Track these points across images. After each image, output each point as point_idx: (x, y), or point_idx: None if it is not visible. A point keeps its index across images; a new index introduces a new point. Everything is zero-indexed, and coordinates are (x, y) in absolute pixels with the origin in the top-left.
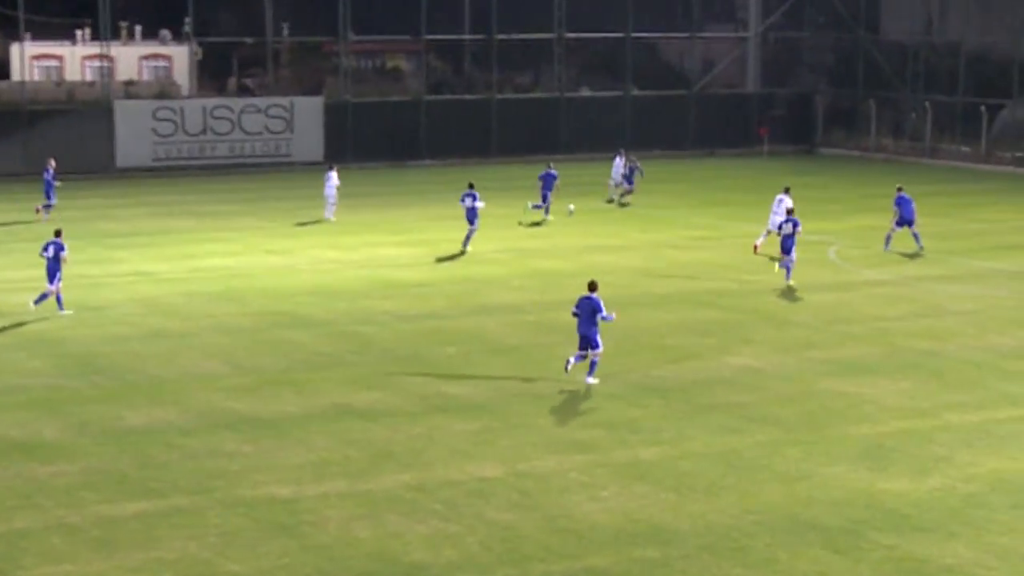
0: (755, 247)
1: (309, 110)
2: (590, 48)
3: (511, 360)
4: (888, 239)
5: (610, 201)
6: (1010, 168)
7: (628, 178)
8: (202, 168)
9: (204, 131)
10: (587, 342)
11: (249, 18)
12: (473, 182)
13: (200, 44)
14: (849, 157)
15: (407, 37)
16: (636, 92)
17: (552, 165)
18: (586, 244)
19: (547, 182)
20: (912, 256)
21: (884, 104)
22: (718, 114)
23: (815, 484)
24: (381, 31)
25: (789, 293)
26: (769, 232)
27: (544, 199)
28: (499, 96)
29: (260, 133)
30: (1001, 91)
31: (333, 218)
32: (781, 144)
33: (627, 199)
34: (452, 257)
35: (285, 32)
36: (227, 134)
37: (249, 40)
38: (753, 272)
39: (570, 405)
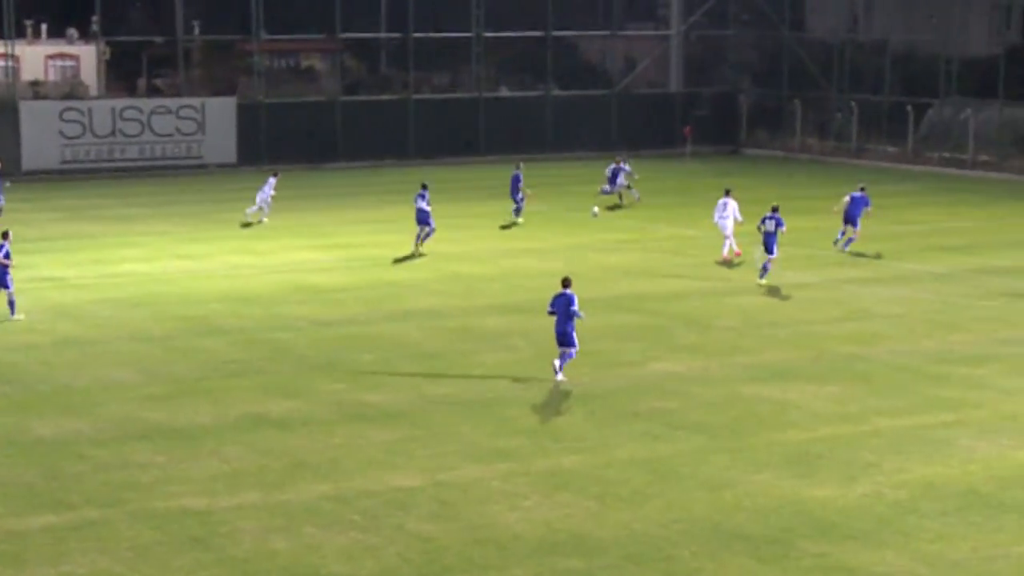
0: (726, 256)
1: (221, 111)
2: (509, 47)
3: (430, 366)
4: (845, 238)
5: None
6: (937, 168)
7: (612, 180)
8: (112, 171)
9: (113, 133)
10: (565, 339)
11: (159, 16)
12: (426, 183)
13: (108, 43)
14: (773, 158)
15: (322, 36)
16: (557, 92)
17: (520, 166)
18: (507, 248)
19: (513, 184)
20: (842, 259)
21: (809, 103)
22: (641, 114)
23: (741, 492)
24: (295, 30)
25: (714, 296)
26: (728, 239)
27: (516, 201)
28: (416, 96)
29: (171, 135)
30: (928, 90)
31: (265, 219)
32: (705, 145)
33: (627, 199)
34: (406, 258)
35: (196, 31)
36: (137, 136)
37: (159, 39)
38: (677, 275)
39: (491, 413)
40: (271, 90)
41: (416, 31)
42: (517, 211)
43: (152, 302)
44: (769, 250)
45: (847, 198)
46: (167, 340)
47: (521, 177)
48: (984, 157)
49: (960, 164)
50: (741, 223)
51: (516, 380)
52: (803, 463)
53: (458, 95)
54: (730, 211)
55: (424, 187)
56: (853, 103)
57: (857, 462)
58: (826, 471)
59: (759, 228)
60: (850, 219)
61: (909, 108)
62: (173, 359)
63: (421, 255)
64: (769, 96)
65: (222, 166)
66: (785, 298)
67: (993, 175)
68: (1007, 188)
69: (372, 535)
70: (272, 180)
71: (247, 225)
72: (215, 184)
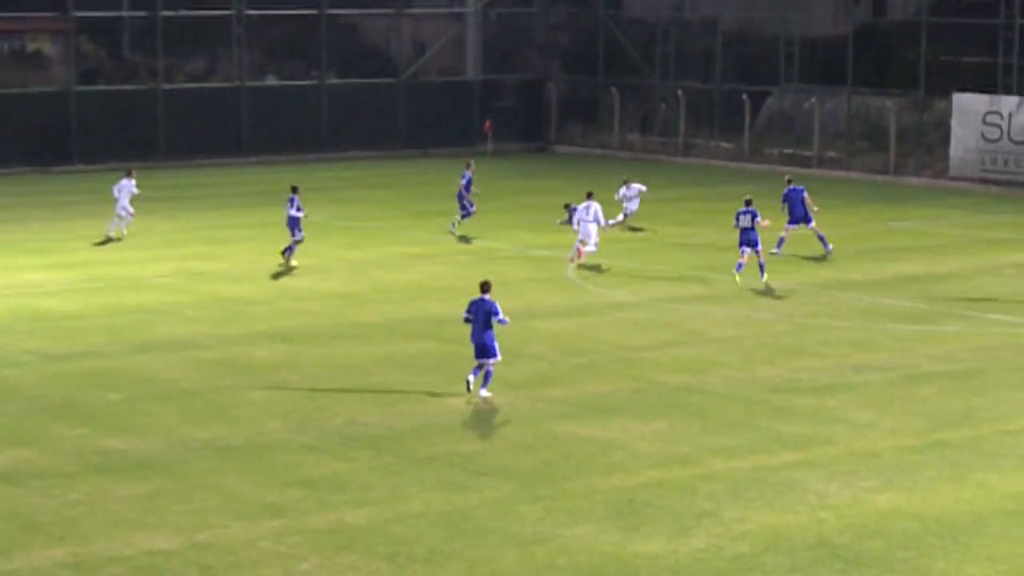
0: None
1: None
2: (277, 27)
3: (187, 407)
4: (781, 241)
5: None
6: (777, 166)
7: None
8: None
9: None
10: (484, 350)
11: None
12: (296, 185)
13: None
14: (589, 156)
15: (52, 14)
16: (334, 80)
17: (471, 165)
18: (275, 266)
19: (465, 187)
20: (669, 275)
21: (629, 93)
22: (433, 106)
23: (556, 548)
24: (18, 6)
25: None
26: (583, 242)
27: (464, 207)
28: (166, 86)
29: None
30: (766, 76)
31: (124, 231)
32: (508, 141)
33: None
34: (162, 277)
35: None
36: None
37: None
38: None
39: (260, 460)
40: None
41: (165, 8)
42: (464, 216)
43: None
44: (754, 244)
45: (784, 204)
46: None
47: (472, 178)
48: (831, 153)
49: (804, 161)
50: (604, 229)
51: (289, 421)
52: (628, 513)
53: (216, 84)
54: (591, 214)
55: (294, 190)
56: (680, 92)
57: (691, 511)
58: (655, 522)
59: (735, 226)
60: (798, 217)
61: (744, 97)
62: None
63: (291, 269)
64: (583, 85)
65: None
66: (604, 321)
67: (841, 174)
68: (858, 189)
69: None
70: (126, 183)
71: (107, 241)
72: None
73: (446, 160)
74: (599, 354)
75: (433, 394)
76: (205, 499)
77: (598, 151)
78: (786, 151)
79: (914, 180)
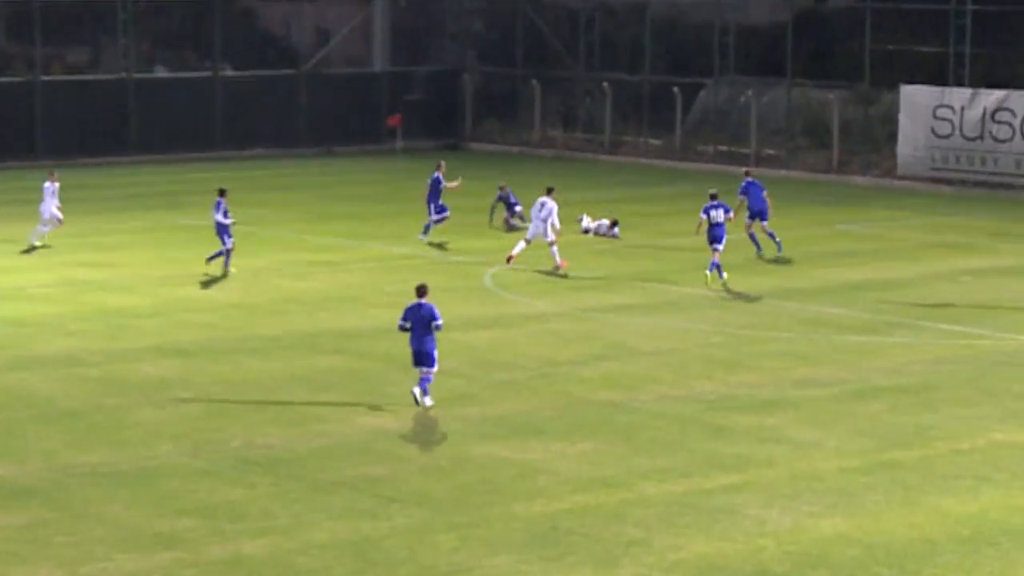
0: (509, 258)
1: None
2: (167, 15)
3: (69, 429)
4: (753, 238)
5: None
6: (711, 165)
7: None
8: None
9: None
10: (424, 358)
11: None
12: (224, 188)
13: None
14: (507, 154)
15: None
16: (229, 72)
17: (442, 165)
18: (167, 274)
19: (432, 189)
20: (594, 283)
21: (551, 86)
22: (337, 100)
23: None
24: None
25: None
26: (528, 241)
27: (440, 211)
28: (44, 78)
29: None
30: (699, 68)
31: (41, 241)
32: (419, 138)
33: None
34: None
35: None
36: None
37: None
38: (389, 305)
39: (151, 487)
40: None
41: None
42: (434, 223)
43: None
44: (719, 240)
45: (741, 197)
46: None
47: (443, 180)
48: (770, 151)
49: (741, 159)
50: (559, 231)
51: (181, 443)
52: (551, 542)
53: (100, 76)
54: (546, 212)
55: (221, 193)
56: (606, 85)
57: (619, 539)
58: (580, 551)
59: (702, 222)
60: (755, 212)
61: (676, 90)
62: None
63: (225, 275)
64: (500, 77)
65: None
66: (525, 333)
67: (781, 173)
68: (799, 189)
69: None
70: (50, 185)
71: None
72: None
73: (351, 159)
74: (520, 369)
75: (339, 414)
76: (90, 530)
77: (517, 149)
78: (721, 148)
79: (859, 179)
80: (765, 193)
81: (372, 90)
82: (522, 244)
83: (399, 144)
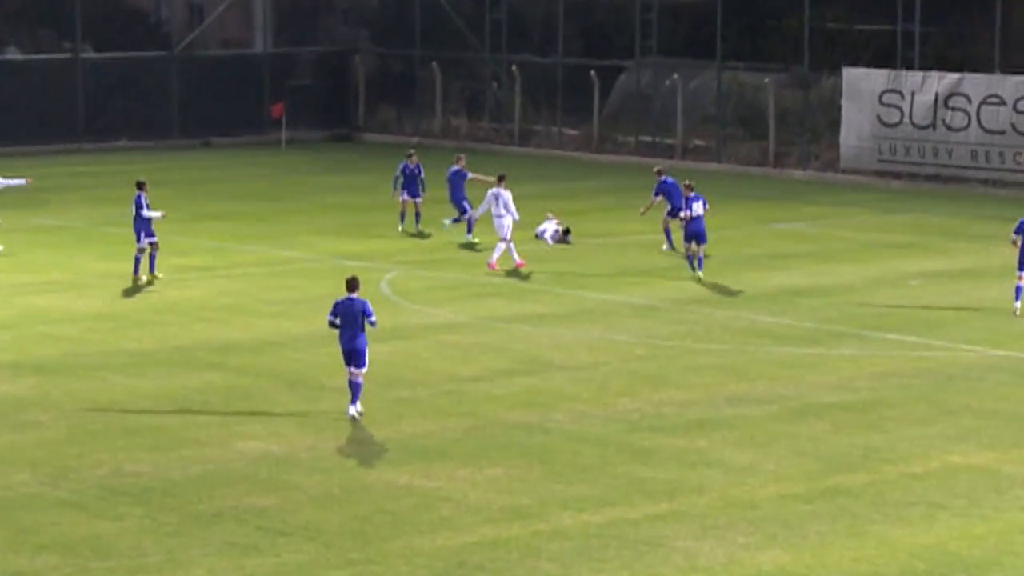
0: (495, 264)
1: None
2: None
3: None
4: (667, 234)
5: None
6: (633, 157)
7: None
8: None
9: None
10: (355, 357)
11: None
12: (143, 180)
13: None
14: (405, 145)
15: None
16: (91, 54)
17: (461, 159)
18: (21, 281)
19: (455, 183)
20: (505, 290)
21: (453, 69)
22: (214, 86)
23: None
24: None
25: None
26: (507, 240)
27: (464, 210)
28: None
29: None
30: (619, 49)
31: None
32: (307, 128)
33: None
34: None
35: None
36: None
37: None
38: (274, 315)
39: (5, 519)
40: None
41: None
42: (460, 221)
43: None
44: (702, 238)
45: (657, 197)
46: None
47: (467, 174)
48: (698, 141)
49: (666, 151)
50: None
51: (40, 471)
52: None
53: None
54: (502, 205)
55: (140, 186)
56: (515, 68)
57: (534, 575)
58: None
59: (683, 215)
60: (677, 210)
61: (593, 74)
62: None
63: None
64: (396, 59)
65: None
66: (427, 345)
67: (711, 166)
68: (731, 184)
69: None
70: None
71: None
72: None
73: (232, 152)
74: (422, 386)
75: (218, 436)
76: None
77: (416, 139)
78: (644, 139)
79: (798, 173)
80: (706, 209)
81: (253, 74)
82: (501, 247)
83: (284, 136)
